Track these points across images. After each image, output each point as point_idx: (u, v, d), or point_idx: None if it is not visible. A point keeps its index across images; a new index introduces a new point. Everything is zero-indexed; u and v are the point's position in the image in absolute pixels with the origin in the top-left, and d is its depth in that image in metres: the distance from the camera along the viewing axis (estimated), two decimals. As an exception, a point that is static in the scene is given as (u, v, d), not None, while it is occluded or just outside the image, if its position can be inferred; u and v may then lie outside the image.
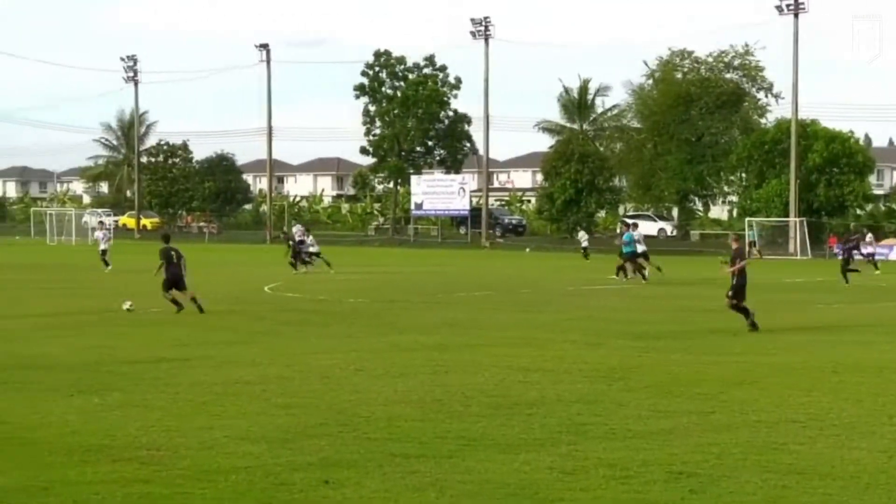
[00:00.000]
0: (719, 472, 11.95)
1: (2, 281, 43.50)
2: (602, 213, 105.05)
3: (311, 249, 51.28)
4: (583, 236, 73.87)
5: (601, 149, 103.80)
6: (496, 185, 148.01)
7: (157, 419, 14.74)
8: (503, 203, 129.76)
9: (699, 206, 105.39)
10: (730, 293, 26.62)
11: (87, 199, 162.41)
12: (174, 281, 30.41)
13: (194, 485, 11.35)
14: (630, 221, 49.35)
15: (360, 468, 12.09)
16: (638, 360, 21.03)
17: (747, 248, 47.07)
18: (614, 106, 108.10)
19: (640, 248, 45.32)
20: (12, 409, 15.49)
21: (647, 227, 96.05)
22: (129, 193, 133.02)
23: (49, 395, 16.68)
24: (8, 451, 12.91)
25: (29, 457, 12.59)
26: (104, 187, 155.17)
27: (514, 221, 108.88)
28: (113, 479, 11.54)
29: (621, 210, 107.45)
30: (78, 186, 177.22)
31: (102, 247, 53.65)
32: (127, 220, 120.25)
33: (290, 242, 51.84)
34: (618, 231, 49.93)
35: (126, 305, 30.36)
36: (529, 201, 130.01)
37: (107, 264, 51.62)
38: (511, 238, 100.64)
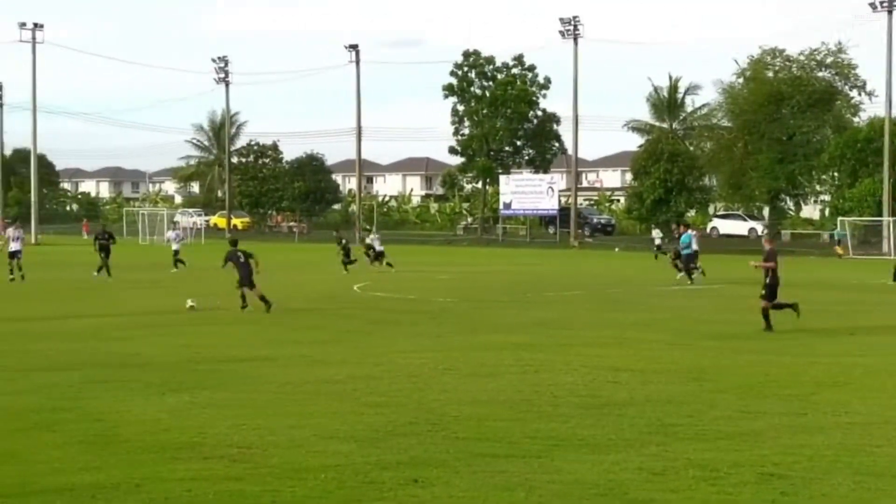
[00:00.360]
0: (811, 475, 11.81)
1: (98, 280, 44.09)
2: (692, 213, 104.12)
3: (377, 248, 51.83)
4: (657, 234, 73.37)
5: (691, 148, 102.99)
6: (585, 184, 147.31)
7: (247, 417, 14.86)
8: (592, 203, 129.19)
9: (790, 205, 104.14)
10: (763, 293, 26.79)
11: (178, 199, 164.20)
12: (245, 279, 31.88)
13: (284, 482, 11.42)
14: (686, 223, 49.42)
15: (448, 467, 12.10)
16: (728, 361, 20.86)
17: (836, 246, 47.36)
18: (704, 105, 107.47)
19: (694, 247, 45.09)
20: (107, 407, 15.70)
21: (738, 227, 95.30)
22: (219, 193, 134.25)
23: (142, 393, 16.90)
24: (102, 447, 13.09)
25: (122, 454, 12.76)
26: (195, 187, 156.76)
27: (602, 221, 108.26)
28: (204, 477, 11.66)
29: (711, 209, 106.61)
30: (169, 186, 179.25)
31: (175, 247, 54.40)
32: (218, 219, 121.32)
33: (342, 242, 52.52)
34: (675, 234, 49.65)
35: (189, 304, 31.25)
36: (618, 201, 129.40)
37: (176, 265, 52.14)
38: (600, 237, 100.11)
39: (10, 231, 46.87)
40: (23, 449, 12.93)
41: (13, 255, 44.52)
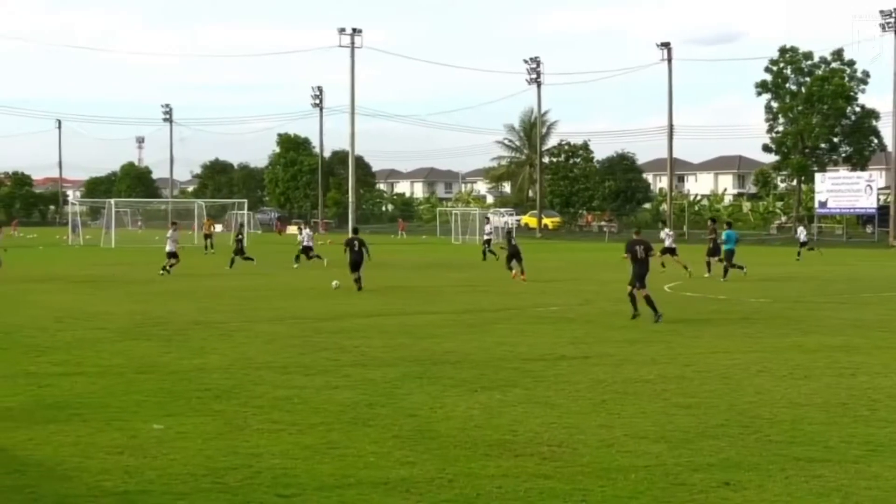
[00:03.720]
0: None
1: (416, 278, 45.14)
2: None
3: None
4: (801, 232, 70.25)
5: None
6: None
7: (557, 416, 14.95)
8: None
9: None
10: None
11: (490, 199, 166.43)
12: (355, 264, 38.08)
13: (593, 482, 11.45)
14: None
15: (761, 471, 11.89)
16: None
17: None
18: None
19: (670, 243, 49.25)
20: (422, 403, 16.06)
21: None
22: (530, 193, 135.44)
23: (455, 390, 17.21)
24: (417, 442, 13.40)
25: (435, 449, 13.03)
26: (507, 187, 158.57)
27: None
28: (514, 474, 11.79)
29: None
30: (481, 186, 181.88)
31: (307, 243, 55.03)
32: (529, 219, 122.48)
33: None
34: (709, 232, 47.90)
35: (334, 284, 37.75)
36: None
37: (297, 259, 53.72)
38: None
39: (171, 233, 49.33)
40: (341, 443, 13.36)
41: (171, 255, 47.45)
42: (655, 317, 27.38)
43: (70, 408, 15.65)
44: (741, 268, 44.94)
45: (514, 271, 44.19)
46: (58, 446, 13.13)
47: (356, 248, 38.44)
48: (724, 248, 45.45)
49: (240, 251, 53.05)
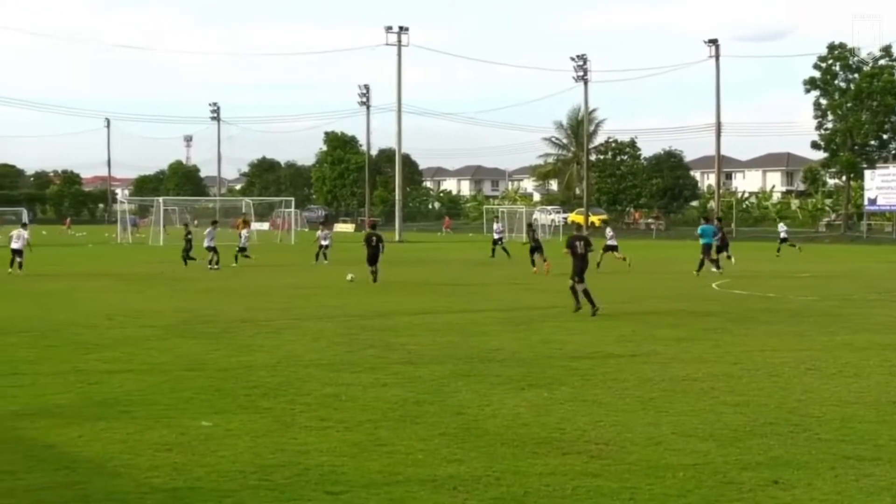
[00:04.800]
0: None
1: (462, 276, 45.17)
2: None
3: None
4: (782, 228, 69.93)
5: None
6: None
7: (604, 414, 14.91)
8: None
9: None
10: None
11: (537, 197, 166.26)
12: (372, 258, 40.43)
13: (642, 480, 11.41)
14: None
15: (810, 469, 11.81)
16: None
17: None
18: None
19: (612, 241, 51.05)
20: (469, 401, 16.06)
21: None
22: (577, 191, 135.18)
23: (502, 388, 17.19)
24: (464, 440, 13.39)
25: (483, 447, 13.02)
26: (553, 185, 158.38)
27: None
28: (562, 472, 11.76)
29: None
30: (528, 184, 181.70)
31: (323, 242, 56.74)
32: (575, 217, 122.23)
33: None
34: (717, 229, 48.78)
35: (349, 277, 40.25)
36: None
37: (317, 258, 55.69)
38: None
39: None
40: (388, 440, 13.37)
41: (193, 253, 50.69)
42: (592, 310, 28.35)
43: (119, 405, 15.75)
44: (716, 263, 45.43)
45: (535, 267, 46.53)
46: (107, 443, 13.22)
47: (373, 244, 40.77)
48: (701, 241, 46.13)
49: (188, 250, 52.67)
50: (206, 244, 51.55)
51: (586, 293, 28.76)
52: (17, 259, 46.05)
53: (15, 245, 46.39)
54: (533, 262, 46.83)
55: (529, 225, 54.50)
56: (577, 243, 29.70)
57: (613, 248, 50.47)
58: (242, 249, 54.45)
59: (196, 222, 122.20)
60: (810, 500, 10.73)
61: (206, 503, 10.73)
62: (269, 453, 12.65)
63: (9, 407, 15.74)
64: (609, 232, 53.56)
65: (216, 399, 16.30)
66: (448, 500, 10.78)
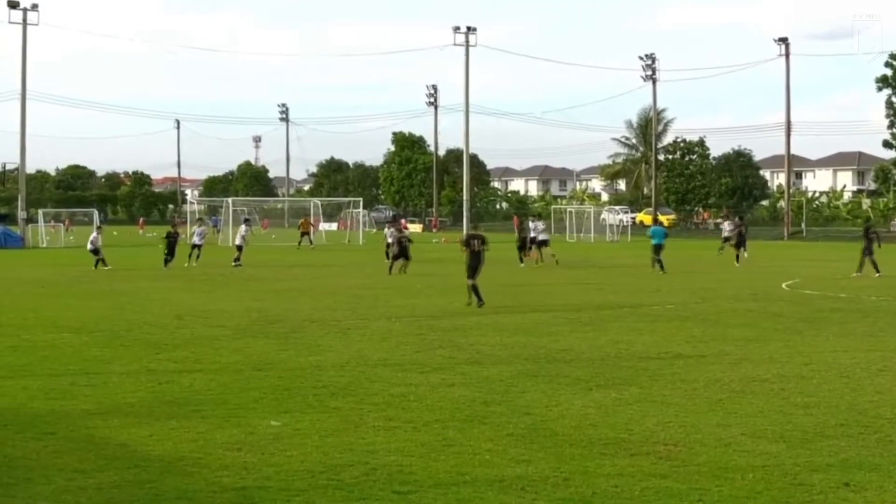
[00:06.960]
0: None
1: (529, 276, 45.13)
2: None
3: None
4: (726, 226, 68.67)
5: None
6: None
7: (673, 415, 14.85)
8: None
9: None
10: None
11: (605, 197, 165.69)
12: (399, 253, 44.66)
13: (710, 481, 11.35)
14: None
15: (882, 472, 11.70)
16: None
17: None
18: None
19: (543, 236, 53.93)
20: (537, 401, 16.05)
21: None
22: (645, 191, 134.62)
23: (570, 388, 17.17)
24: (532, 441, 13.39)
25: (550, 447, 13.01)
26: (622, 185, 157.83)
27: None
28: (630, 473, 11.73)
29: None
30: (596, 184, 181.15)
31: (389, 239, 55.35)
32: (644, 217, 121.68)
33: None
34: (734, 227, 49.80)
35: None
36: None
37: (387, 256, 55.74)
38: None
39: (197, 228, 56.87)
40: (456, 440, 13.39)
41: (195, 247, 53.77)
42: (478, 303, 30.59)
43: (189, 404, 15.89)
44: (660, 265, 45.41)
45: (528, 260, 51.24)
46: (177, 442, 13.34)
47: (405, 244, 44.78)
48: (652, 242, 46.75)
49: (171, 251, 52.29)
50: (236, 242, 54.61)
51: (474, 288, 30.99)
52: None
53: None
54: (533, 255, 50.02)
55: (521, 221, 56.63)
56: (474, 241, 31.62)
57: (544, 244, 52.83)
58: (239, 249, 54.00)
59: (268, 222, 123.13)
60: (882, 502, 10.64)
61: (275, 502, 10.80)
62: (337, 453, 12.71)
63: (81, 406, 15.92)
64: (540, 225, 55.45)
65: (285, 399, 16.40)
66: (516, 501, 10.78)
